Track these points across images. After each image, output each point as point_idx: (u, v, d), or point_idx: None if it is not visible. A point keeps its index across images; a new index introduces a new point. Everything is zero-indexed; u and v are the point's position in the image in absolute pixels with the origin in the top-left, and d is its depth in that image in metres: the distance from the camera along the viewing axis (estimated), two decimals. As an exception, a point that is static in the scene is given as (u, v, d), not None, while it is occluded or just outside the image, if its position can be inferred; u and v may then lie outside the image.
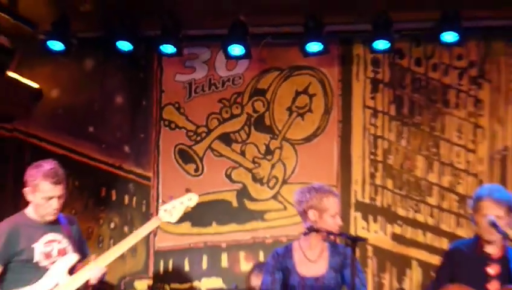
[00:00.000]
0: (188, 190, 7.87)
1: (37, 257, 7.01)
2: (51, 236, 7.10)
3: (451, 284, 7.23)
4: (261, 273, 8.25)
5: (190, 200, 7.48)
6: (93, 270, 7.14)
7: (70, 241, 7.21)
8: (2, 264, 7.03)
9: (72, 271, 7.11)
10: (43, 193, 7.00)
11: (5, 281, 7.09)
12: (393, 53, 9.72)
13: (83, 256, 7.38)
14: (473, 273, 7.12)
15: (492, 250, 7.08)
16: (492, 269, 7.09)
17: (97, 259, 7.24)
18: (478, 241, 7.15)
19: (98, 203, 9.87)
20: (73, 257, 7.13)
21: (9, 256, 7.01)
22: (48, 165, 7.23)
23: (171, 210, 7.40)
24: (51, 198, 7.02)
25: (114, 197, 10.08)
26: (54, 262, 7.09)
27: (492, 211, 7.00)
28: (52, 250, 7.10)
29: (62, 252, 7.15)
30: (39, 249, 7.03)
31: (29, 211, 7.15)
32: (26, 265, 7.03)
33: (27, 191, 7.07)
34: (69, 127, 10.14)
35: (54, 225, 7.16)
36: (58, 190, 7.06)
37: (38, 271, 7.01)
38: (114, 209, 10.07)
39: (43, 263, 7.04)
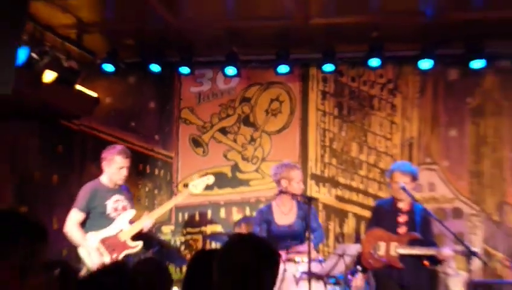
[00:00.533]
0: (207, 173, 8.53)
1: (109, 210, 7.64)
2: (117, 197, 7.73)
3: (375, 228, 7.93)
4: (241, 227, 8.81)
5: (208, 179, 8.17)
6: (146, 221, 7.76)
7: (129, 201, 7.81)
8: (85, 213, 7.61)
9: (131, 221, 7.73)
10: (117, 164, 7.63)
11: (86, 225, 7.64)
12: (336, 73, 9.93)
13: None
14: (389, 222, 7.77)
15: (403, 205, 7.77)
16: (401, 219, 7.77)
17: (148, 214, 7.87)
18: (393, 200, 7.80)
19: (137, 174, 10.06)
20: (132, 212, 7.76)
21: (90, 208, 7.62)
22: (120, 146, 7.91)
23: (196, 185, 8.05)
24: (122, 168, 7.66)
25: (148, 171, 10.34)
26: (119, 214, 7.68)
27: (401, 179, 7.64)
28: (118, 206, 7.71)
29: (125, 208, 7.76)
30: (110, 205, 7.67)
31: (103, 179, 7.75)
32: (101, 215, 7.64)
33: (105, 164, 7.69)
34: (118, 123, 10.34)
35: (118, 189, 7.77)
36: (127, 162, 7.71)
37: (109, 220, 7.65)
38: (148, 179, 10.33)
39: (112, 214, 7.67)
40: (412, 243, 7.70)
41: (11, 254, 2.17)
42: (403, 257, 7.63)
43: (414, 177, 7.89)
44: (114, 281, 2.80)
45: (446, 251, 7.59)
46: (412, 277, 7.68)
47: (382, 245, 7.73)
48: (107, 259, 7.43)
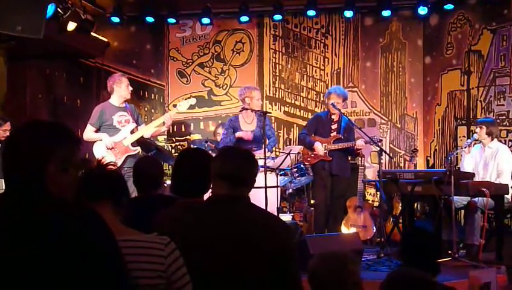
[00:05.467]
0: (191, 97, 8.42)
1: (115, 123, 7.43)
2: (121, 113, 7.49)
3: (315, 136, 7.91)
4: (217, 129, 8.86)
5: (192, 100, 7.95)
6: (142, 132, 7.58)
7: (131, 117, 7.54)
8: (97, 127, 7.44)
9: (132, 132, 7.51)
10: (125, 82, 7.50)
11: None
12: (283, 21, 9.86)
13: (138, 125, 7.66)
14: (325, 128, 7.78)
15: (334, 117, 7.76)
16: (333, 126, 7.77)
17: (144, 127, 7.68)
18: (328, 112, 7.81)
19: (138, 98, 9.88)
20: (133, 125, 7.51)
21: (101, 123, 7.45)
22: (118, 73, 8.01)
23: (182, 105, 7.80)
24: (128, 85, 7.47)
25: (146, 96, 10.19)
26: (123, 126, 7.49)
27: (335, 100, 7.65)
28: (122, 120, 7.48)
29: (127, 122, 7.51)
30: (116, 119, 7.45)
31: (111, 100, 7.55)
32: (109, 127, 7.44)
33: (115, 86, 7.49)
34: (123, 60, 10.14)
35: (123, 108, 7.55)
36: (128, 81, 7.58)
37: (116, 131, 7.42)
38: (146, 101, 10.20)
39: (118, 126, 7.44)
40: (337, 141, 7.75)
41: (57, 152, 2.19)
42: (331, 152, 7.71)
43: (345, 98, 7.91)
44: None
45: (359, 142, 7.66)
46: (338, 167, 7.75)
47: (321, 149, 7.74)
48: (113, 158, 7.25)
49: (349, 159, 8.23)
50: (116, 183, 2.81)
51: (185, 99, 8.50)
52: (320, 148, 7.70)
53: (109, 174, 2.82)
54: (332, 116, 7.86)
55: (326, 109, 8.13)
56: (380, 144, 7.56)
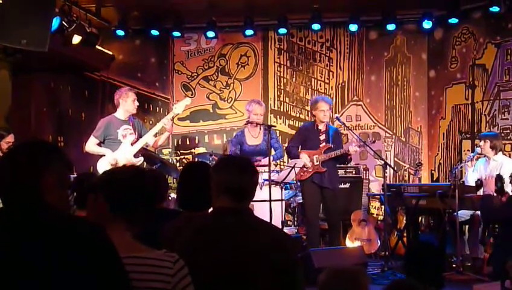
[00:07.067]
0: (186, 96, 8.43)
1: (120, 137, 7.36)
2: (125, 127, 7.42)
3: (303, 149, 7.66)
4: (227, 144, 8.79)
5: (187, 100, 7.81)
6: (141, 143, 7.43)
7: (134, 130, 7.45)
8: (101, 140, 7.37)
9: (132, 144, 7.37)
10: (131, 97, 7.42)
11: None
12: (288, 35, 9.91)
13: (140, 137, 7.49)
14: (314, 140, 7.60)
15: (321, 127, 7.59)
16: (321, 137, 7.59)
17: (142, 138, 7.50)
18: (314, 123, 7.64)
19: (143, 112, 9.83)
20: (132, 137, 7.38)
21: (105, 136, 7.38)
22: (126, 87, 7.98)
23: (178, 107, 7.64)
24: (134, 100, 7.42)
25: (151, 108, 10.21)
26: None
27: (323, 108, 7.49)
28: (126, 133, 7.38)
29: (130, 135, 7.43)
30: (120, 132, 7.37)
31: (117, 114, 7.48)
32: (113, 141, 7.37)
33: (122, 100, 7.41)
34: (128, 74, 10.18)
35: (127, 121, 7.47)
36: (135, 95, 7.55)
37: (119, 144, 7.34)
38: (151, 114, 10.19)
39: (122, 140, 7.36)
40: (327, 151, 7.54)
41: (53, 165, 2.18)
42: (324, 163, 7.53)
43: (330, 107, 7.75)
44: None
45: (350, 147, 7.49)
46: (329, 180, 7.52)
47: (307, 160, 7.54)
48: None
49: (338, 171, 8.08)
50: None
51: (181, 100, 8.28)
52: (305, 158, 7.54)
53: None
54: (319, 127, 7.68)
55: (312, 119, 7.89)
56: (371, 145, 7.57)
